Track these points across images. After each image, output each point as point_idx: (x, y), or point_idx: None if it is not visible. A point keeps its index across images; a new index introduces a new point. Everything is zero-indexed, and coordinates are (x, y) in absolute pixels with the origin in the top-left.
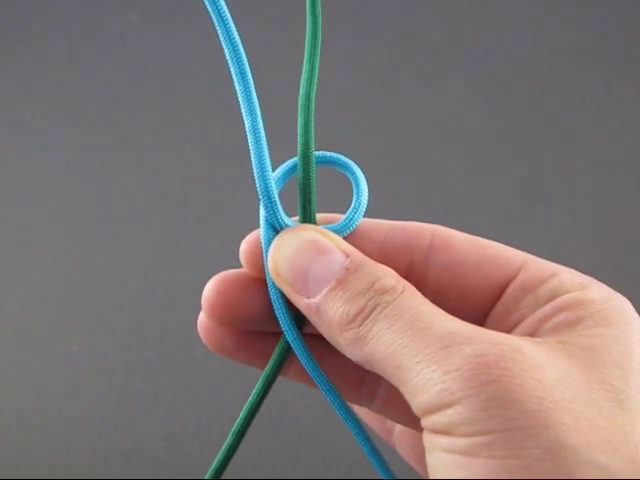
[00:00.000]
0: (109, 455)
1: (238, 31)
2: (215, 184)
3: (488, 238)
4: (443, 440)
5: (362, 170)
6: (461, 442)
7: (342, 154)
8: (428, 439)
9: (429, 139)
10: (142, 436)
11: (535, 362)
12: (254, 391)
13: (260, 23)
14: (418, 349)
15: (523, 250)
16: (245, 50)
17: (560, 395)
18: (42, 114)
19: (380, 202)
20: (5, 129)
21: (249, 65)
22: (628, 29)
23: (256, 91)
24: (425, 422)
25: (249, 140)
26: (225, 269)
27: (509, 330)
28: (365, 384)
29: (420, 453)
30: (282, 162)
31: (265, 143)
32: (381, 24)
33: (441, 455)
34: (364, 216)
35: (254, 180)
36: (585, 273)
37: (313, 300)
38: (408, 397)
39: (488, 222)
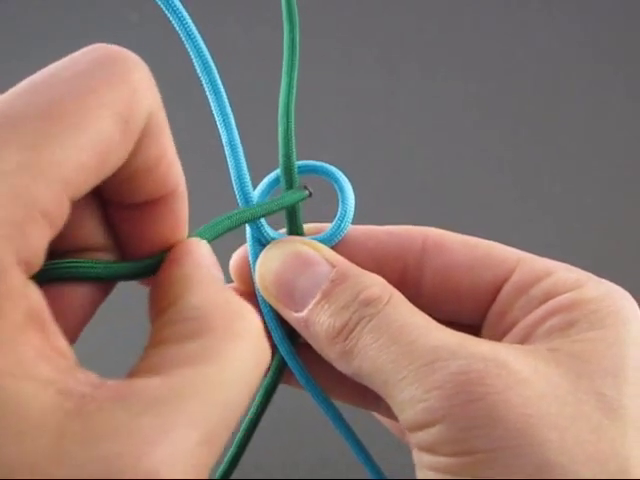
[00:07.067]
0: None
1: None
2: (204, 191)
3: (487, 239)
4: (428, 458)
5: (347, 177)
6: (445, 461)
7: (327, 162)
8: (415, 455)
9: (417, 141)
10: None
11: (521, 376)
12: (254, 403)
13: (242, 27)
14: (402, 365)
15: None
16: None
17: (546, 410)
18: None
19: (371, 207)
20: None
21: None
22: (630, 29)
23: (232, 104)
24: (411, 439)
25: (227, 155)
26: None
27: (504, 333)
28: (370, 390)
29: None
30: (266, 173)
31: (242, 157)
32: (370, 23)
33: (427, 473)
34: (353, 223)
35: None
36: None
37: (301, 314)
38: (396, 412)
39: (484, 223)
